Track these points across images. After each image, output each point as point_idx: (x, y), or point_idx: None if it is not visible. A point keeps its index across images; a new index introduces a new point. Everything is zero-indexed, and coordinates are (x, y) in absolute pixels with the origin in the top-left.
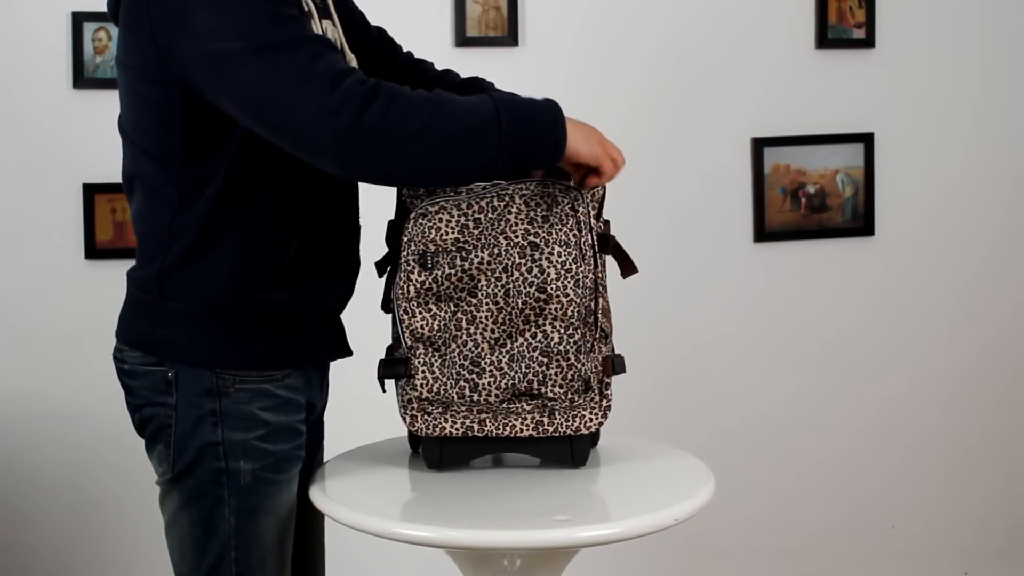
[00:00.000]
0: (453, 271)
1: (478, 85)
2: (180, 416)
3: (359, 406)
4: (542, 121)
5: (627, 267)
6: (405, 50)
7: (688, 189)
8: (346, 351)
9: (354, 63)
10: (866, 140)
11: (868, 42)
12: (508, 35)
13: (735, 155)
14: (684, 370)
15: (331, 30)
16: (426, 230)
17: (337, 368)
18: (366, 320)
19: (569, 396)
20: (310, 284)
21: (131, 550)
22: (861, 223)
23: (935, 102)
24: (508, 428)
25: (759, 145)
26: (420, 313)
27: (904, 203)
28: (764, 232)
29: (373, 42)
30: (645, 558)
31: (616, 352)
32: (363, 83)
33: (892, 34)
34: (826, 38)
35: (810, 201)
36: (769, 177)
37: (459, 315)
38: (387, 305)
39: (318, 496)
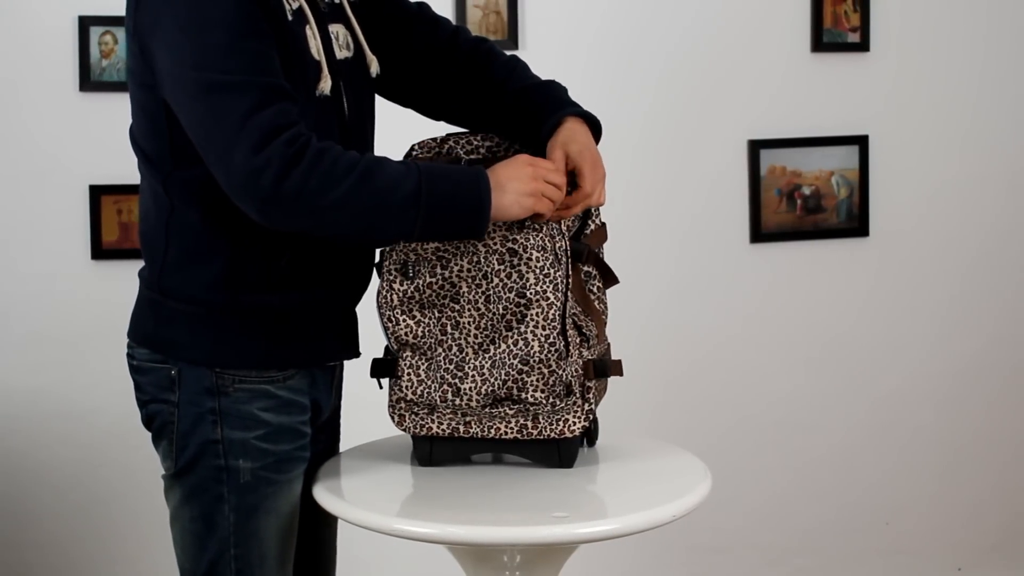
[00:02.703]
0: (434, 279)
1: (544, 90)
2: (182, 413)
3: (360, 404)
4: (464, 203)
5: (608, 278)
6: (455, 24)
7: (685, 190)
8: (352, 352)
9: (374, 65)
10: (861, 142)
11: (863, 46)
12: (508, 38)
13: (732, 157)
14: (681, 369)
15: (342, 33)
16: None
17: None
18: (368, 319)
19: (551, 400)
20: (310, 286)
21: (136, 547)
22: (856, 224)
23: (929, 105)
24: (492, 431)
25: (755, 147)
26: (404, 320)
27: (898, 204)
28: (760, 233)
29: (408, 26)
30: (643, 554)
31: (610, 354)
32: (290, 144)
33: (886, 38)
34: (821, 42)
35: (805, 202)
36: (765, 179)
37: (444, 320)
38: None
39: (320, 493)
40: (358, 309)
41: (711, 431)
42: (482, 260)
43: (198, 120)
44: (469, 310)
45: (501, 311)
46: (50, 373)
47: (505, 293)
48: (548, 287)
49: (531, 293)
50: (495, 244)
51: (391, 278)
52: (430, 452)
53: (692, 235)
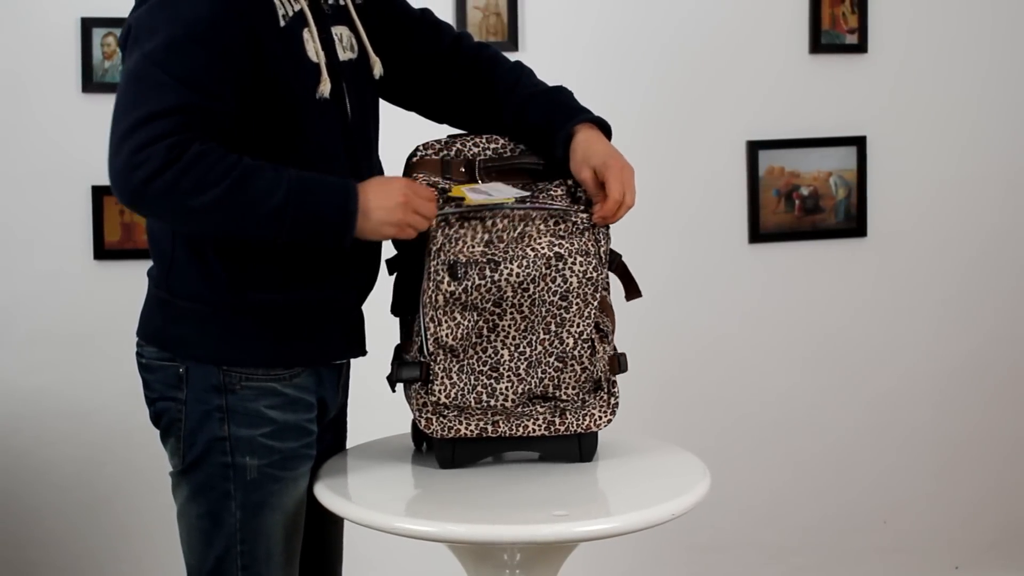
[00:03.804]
0: (483, 282)
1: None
2: (189, 411)
3: (363, 403)
4: (328, 222)
5: (631, 290)
6: (459, 30)
7: (685, 191)
8: (358, 350)
9: (378, 67)
10: (859, 143)
11: (861, 47)
12: (508, 40)
13: (731, 158)
14: (680, 369)
15: (346, 34)
16: (453, 240)
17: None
18: (370, 318)
19: (581, 396)
20: (316, 285)
21: (140, 544)
22: (854, 224)
23: (926, 106)
24: (521, 428)
25: (754, 148)
26: (446, 321)
27: (896, 205)
28: (759, 233)
29: (411, 30)
30: (642, 552)
31: (618, 350)
32: (172, 148)
33: (884, 39)
34: (820, 43)
35: (804, 203)
36: (764, 179)
37: (481, 324)
38: (396, 309)
39: (323, 492)
40: (365, 309)
41: (709, 430)
42: (530, 264)
43: (120, 97)
44: (511, 313)
45: (543, 313)
46: (53, 372)
47: (549, 297)
48: (589, 289)
49: (572, 296)
50: (543, 248)
51: (438, 278)
52: (452, 455)
53: (691, 235)
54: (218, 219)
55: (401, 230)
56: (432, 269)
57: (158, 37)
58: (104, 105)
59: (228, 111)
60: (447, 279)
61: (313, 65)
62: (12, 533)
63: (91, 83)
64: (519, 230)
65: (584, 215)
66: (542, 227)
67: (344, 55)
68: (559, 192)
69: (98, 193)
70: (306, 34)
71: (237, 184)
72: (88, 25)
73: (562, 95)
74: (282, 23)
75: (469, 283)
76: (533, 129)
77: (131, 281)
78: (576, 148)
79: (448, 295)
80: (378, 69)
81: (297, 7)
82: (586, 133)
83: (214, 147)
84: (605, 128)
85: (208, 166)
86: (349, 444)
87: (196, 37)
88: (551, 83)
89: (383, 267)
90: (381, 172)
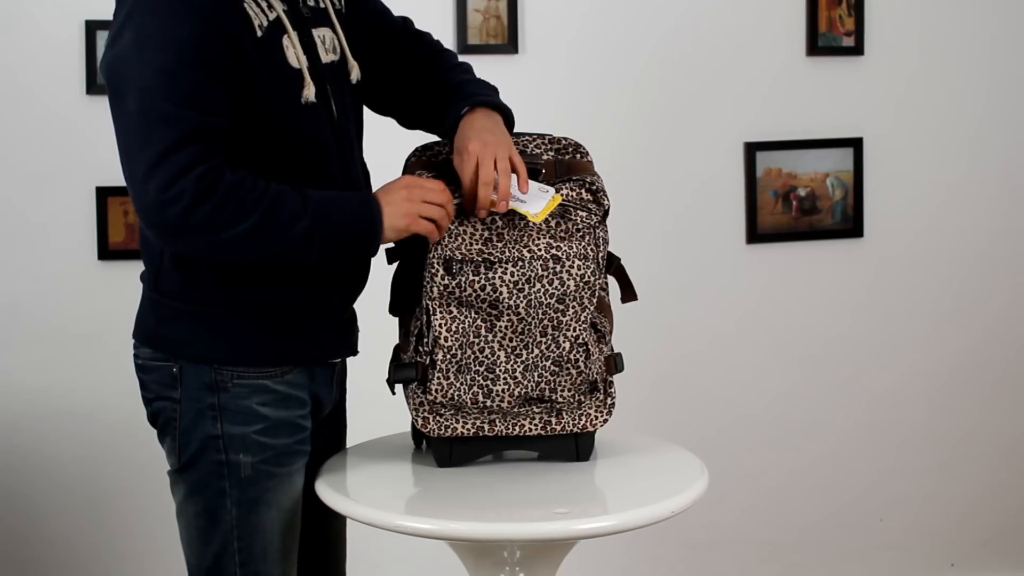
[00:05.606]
0: (477, 278)
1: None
2: (184, 410)
3: (363, 403)
4: (356, 231)
5: (627, 293)
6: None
7: (683, 192)
8: (348, 351)
9: (355, 71)
10: (855, 144)
11: (857, 50)
12: (508, 43)
13: (728, 159)
14: (679, 369)
15: (328, 36)
16: (453, 235)
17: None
18: (371, 318)
19: (577, 398)
20: (305, 284)
21: (143, 542)
22: (850, 225)
23: (922, 107)
24: (517, 428)
25: (751, 149)
26: (440, 313)
27: (892, 206)
28: (756, 234)
29: (393, 38)
30: (639, 549)
31: (615, 350)
32: (201, 179)
33: (881, 42)
34: (817, 46)
35: (801, 204)
36: (761, 180)
37: (479, 323)
38: (395, 308)
39: (324, 490)
40: (362, 310)
41: (707, 429)
42: (527, 266)
43: (125, 137)
44: (508, 315)
45: (539, 316)
46: (57, 371)
47: (546, 299)
48: (585, 294)
49: (569, 299)
50: (540, 250)
51: (433, 271)
52: (449, 454)
53: (689, 236)
54: (252, 247)
55: (414, 222)
56: (429, 261)
57: (149, 68)
58: (108, 106)
59: (228, 125)
60: (441, 272)
61: (295, 71)
62: (15, 531)
63: (95, 85)
64: (519, 228)
65: (583, 213)
66: (542, 226)
67: (327, 57)
68: (565, 192)
69: (102, 194)
70: (285, 41)
71: (269, 211)
72: (92, 28)
73: (475, 87)
74: (259, 32)
75: (463, 279)
76: (446, 130)
77: (135, 281)
78: (457, 132)
79: (442, 288)
80: (355, 73)
81: (273, 15)
82: (467, 118)
83: (244, 175)
84: (505, 113)
85: (243, 196)
86: (349, 443)
87: (185, 60)
88: (549, 86)
89: (381, 266)
90: (366, 173)
